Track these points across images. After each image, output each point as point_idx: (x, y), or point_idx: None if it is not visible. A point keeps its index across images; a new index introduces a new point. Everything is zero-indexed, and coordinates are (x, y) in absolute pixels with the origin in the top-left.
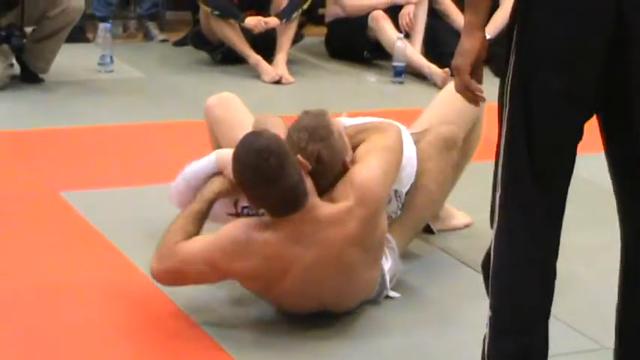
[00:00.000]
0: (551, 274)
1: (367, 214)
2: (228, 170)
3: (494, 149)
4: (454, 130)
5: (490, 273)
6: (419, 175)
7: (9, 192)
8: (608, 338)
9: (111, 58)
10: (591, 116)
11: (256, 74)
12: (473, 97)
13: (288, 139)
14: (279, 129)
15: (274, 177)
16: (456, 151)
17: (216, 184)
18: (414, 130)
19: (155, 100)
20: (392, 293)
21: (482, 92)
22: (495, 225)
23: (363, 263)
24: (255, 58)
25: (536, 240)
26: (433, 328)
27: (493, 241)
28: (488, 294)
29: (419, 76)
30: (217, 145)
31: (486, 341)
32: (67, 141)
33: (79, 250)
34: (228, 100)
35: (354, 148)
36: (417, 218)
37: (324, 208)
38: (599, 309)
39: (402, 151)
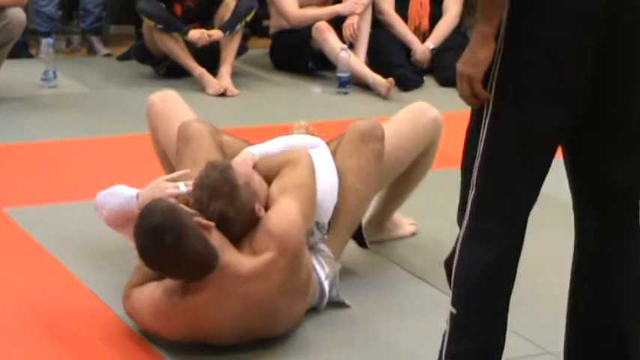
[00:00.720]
0: (512, 275)
1: (290, 263)
2: None
3: (461, 153)
4: (369, 122)
5: (453, 271)
6: (343, 175)
7: None
8: (553, 343)
9: (54, 73)
10: (575, 117)
11: (201, 87)
12: (479, 103)
13: (192, 197)
14: (205, 141)
15: (175, 253)
16: (376, 142)
17: None
18: None
19: (100, 114)
20: (341, 298)
21: (489, 98)
22: (465, 223)
23: (291, 304)
24: (199, 70)
25: (505, 241)
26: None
27: (460, 239)
28: (450, 288)
29: (364, 86)
30: (157, 142)
31: (445, 338)
32: (11, 157)
33: (22, 266)
34: (170, 96)
35: (268, 181)
36: (349, 220)
37: (245, 262)
38: (548, 316)
39: (315, 184)
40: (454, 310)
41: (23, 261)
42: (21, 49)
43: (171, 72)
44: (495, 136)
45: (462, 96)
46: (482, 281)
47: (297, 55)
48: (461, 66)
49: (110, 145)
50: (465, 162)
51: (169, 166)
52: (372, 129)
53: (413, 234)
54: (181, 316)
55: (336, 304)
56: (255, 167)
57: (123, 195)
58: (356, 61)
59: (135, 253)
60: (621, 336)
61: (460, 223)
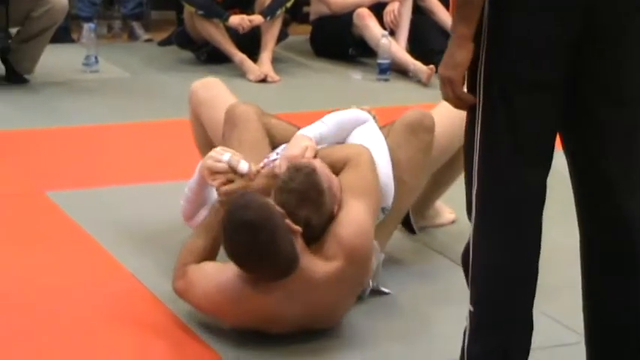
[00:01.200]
0: (532, 270)
1: (358, 272)
2: (210, 182)
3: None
4: (419, 113)
5: (469, 268)
6: (392, 166)
7: None
8: None
9: (96, 58)
10: (565, 104)
11: (241, 73)
12: (462, 106)
13: (276, 199)
14: (252, 124)
15: (265, 251)
16: (425, 132)
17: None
18: None
19: (140, 99)
20: (383, 289)
21: (474, 100)
22: (473, 220)
23: (350, 303)
24: (239, 56)
25: (515, 236)
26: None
27: (471, 237)
28: (468, 287)
29: (404, 73)
30: (200, 130)
31: (466, 335)
32: (53, 141)
33: (64, 250)
34: (213, 83)
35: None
36: (397, 211)
37: (317, 269)
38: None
39: (378, 183)
40: (472, 309)
41: (64, 244)
42: (63, 34)
43: (211, 58)
44: (489, 132)
45: (445, 99)
46: (497, 281)
47: (338, 42)
48: (441, 69)
49: (151, 129)
50: (465, 159)
51: None
52: (421, 120)
53: (453, 222)
54: (247, 306)
55: (377, 292)
56: (316, 157)
57: (193, 178)
58: (397, 48)
59: (178, 236)
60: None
61: (470, 218)
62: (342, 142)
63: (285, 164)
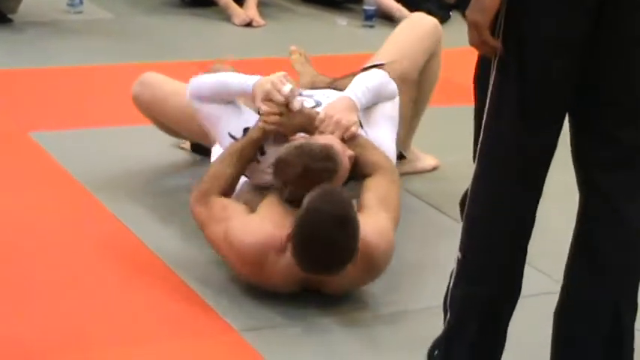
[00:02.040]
0: (523, 228)
1: (373, 278)
2: (259, 105)
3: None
4: (401, 64)
5: (464, 215)
6: None
7: None
8: None
9: None
10: (576, 71)
11: (226, 17)
12: (490, 51)
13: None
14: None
15: (351, 244)
16: (407, 85)
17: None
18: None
19: (125, 41)
20: None
21: (500, 47)
22: (474, 169)
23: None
24: (225, 0)
25: (509, 195)
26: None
27: (470, 185)
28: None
29: (390, 19)
30: (164, 127)
31: (452, 277)
32: (36, 82)
33: (46, 191)
34: (150, 80)
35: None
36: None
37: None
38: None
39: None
40: (460, 257)
41: (47, 185)
42: None
43: (196, 1)
44: (500, 88)
45: (471, 44)
46: (485, 235)
47: None
48: (468, 12)
49: (134, 72)
50: (478, 104)
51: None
52: (402, 73)
53: (434, 168)
54: (269, 271)
55: None
56: (354, 142)
57: (237, 77)
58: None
59: (162, 179)
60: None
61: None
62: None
63: (330, 124)
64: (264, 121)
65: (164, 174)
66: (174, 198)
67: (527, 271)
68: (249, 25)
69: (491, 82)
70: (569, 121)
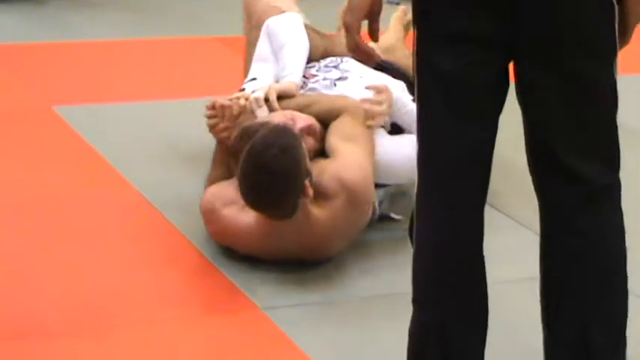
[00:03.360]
0: (473, 243)
1: (358, 212)
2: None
3: None
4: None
5: (413, 237)
6: None
7: (0, 106)
8: None
9: None
10: (508, 61)
11: None
12: (365, 58)
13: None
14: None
15: (282, 199)
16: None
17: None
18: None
19: (147, 16)
20: (393, 215)
21: (373, 52)
22: (416, 185)
23: (347, 241)
24: None
25: (455, 205)
26: None
27: (415, 204)
28: None
29: None
30: (250, 25)
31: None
32: (60, 55)
33: (69, 165)
34: None
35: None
36: None
37: (317, 211)
38: None
39: (372, 133)
40: (412, 280)
41: (70, 159)
42: None
43: None
44: (423, 77)
45: (348, 49)
46: (439, 253)
47: None
48: (341, 14)
49: (159, 47)
50: None
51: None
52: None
53: None
54: (237, 231)
55: (387, 218)
56: (311, 107)
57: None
58: None
59: (184, 153)
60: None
61: None
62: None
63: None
64: (214, 133)
65: (184, 148)
66: (198, 174)
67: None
68: None
69: (415, 85)
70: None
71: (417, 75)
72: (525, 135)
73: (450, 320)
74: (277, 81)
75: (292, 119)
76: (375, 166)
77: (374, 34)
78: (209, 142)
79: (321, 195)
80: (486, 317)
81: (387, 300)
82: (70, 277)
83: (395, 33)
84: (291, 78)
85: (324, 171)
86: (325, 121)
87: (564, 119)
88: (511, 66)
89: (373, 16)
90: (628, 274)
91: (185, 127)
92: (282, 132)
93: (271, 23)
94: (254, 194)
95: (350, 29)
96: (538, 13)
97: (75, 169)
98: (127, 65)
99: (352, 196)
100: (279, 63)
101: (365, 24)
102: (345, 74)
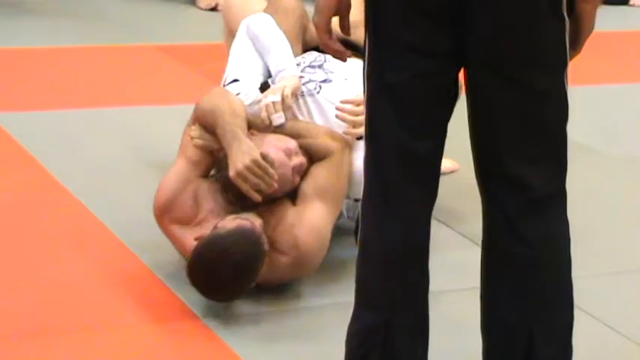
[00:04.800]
0: (419, 251)
1: (304, 269)
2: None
3: None
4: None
5: (357, 240)
6: None
7: None
8: None
9: None
10: (457, 72)
11: (192, 0)
12: (337, 55)
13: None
14: (291, 17)
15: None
16: None
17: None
18: None
19: (89, 23)
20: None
21: (343, 50)
22: (362, 189)
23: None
24: None
25: (402, 213)
26: None
27: (360, 206)
28: None
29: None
30: (229, 33)
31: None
32: None
33: (8, 172)
34: None
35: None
36: None
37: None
38: None
39: (345, 189)
40: (356, 284)
41: (9, 166)
42: None
43: None
44: (372, 86)
45: (320, 45)
46: (384, 257)
47: None
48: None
49: (96, 54)
50: None
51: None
52: None
53: (452, 172)
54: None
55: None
56: (301, 138)
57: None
58: None
59: (125, 162)
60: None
61: None
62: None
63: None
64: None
65: (126, 157)
66: (138, 181)
67: None
68: (214, 9)
69: (365, 94)
70: None
71: (367, 82)
72: (472, 143)
73: (394, 322)
74: (269, 79)
75: (289, 154)
76: (351, 182)
77: (345, 30)
78: (150, 150)
79: (272, 246)
80: (428, 322)
81: (336, 309)
82: (7, 285)
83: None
84: (292, 71)
85: (284, 222)
86: (312, 155)
87: (512, 128)
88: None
89: (342, 12)
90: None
91: (126, 135)
92: (246, 237)
93: (252, 22)
94: (202, 282)
95: (319, 29)
96: (489, 25)
97: (13, 176)
98: (67, 72)
99: (302, 260)
100: (272, 60)
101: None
102: (329, 75)
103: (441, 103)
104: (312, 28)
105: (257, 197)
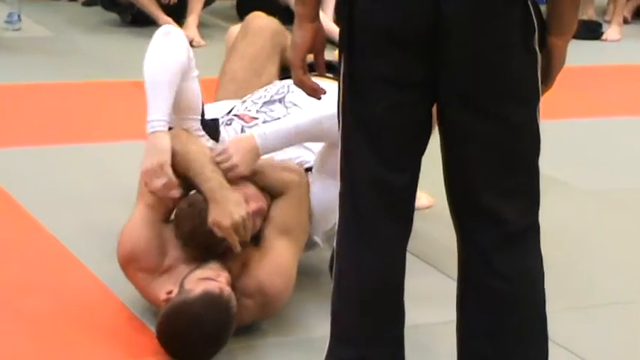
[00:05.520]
0: (395, 286)
1: (268, 311)
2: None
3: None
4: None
5: (332, 273)
6: None
7: None
8: None
9: (18, 16)
10: (431, 105)
11: None
12: (311, 93)
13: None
14: (260, 39)
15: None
16: None
17: None
18: None
19: (64, 59)
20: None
21: (318, 87)
22: (337, 222)
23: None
24: (165, 19)
25: (378, 248)
26: None
27: (335, 240)
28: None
29: (330, 42)
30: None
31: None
32: None
33: None
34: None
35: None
36: None
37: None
38: None
39: (308, 221)
40: (332, 319)
41: None
42: None
43: (137, 20)
44: (347, 118)
45: (294, 83)
46: (359, 292)
47: (264, 9)
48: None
49: (74, 90)
50: None
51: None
52: None
53: (427, 207)
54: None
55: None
56: (257, 176)
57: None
58: (323, 17)
59: (100, 197)
60: None
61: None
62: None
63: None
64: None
65: (100, 192)
66: (114, 216)
67: None
68: (190, 45)
69: (340, 127)
70: None
71: (342, 114)
72: (446, 177)
73: (369, 356)
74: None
75: (247, 199)
76: (311, 219)
77: (320, 69)
78: (125, 185)
79: (238, 291)
80: (404, 356)
81: (303, 344)
82: None
83: None
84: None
85: (248, 267)
86: (270, 192)
87: (486, 161)
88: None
89: (316, 51)
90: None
91: (101, 171)
92: (216, 305)
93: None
94: (172, 349)
95: (293, 65)
96: (463, 60)
97: None
98: (43, 109)
99: (268, 302)
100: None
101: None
102: (289, 110)
103: (416, 135)
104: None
105: (239, 249)
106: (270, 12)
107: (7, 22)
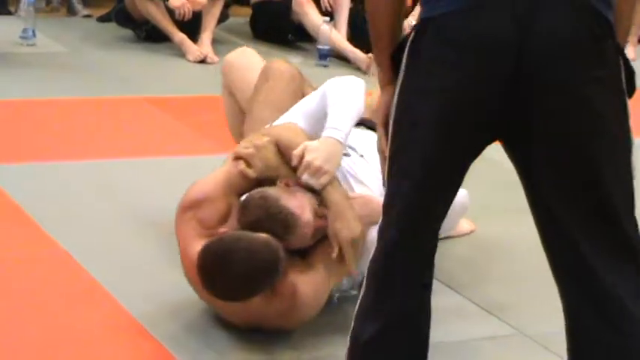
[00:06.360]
0: (420, 342)
1: (293, 325)
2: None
3: None
4: None
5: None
6: None
7: None
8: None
9: (33, 31)
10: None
11: (181, 53)
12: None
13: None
14: (281, 84)
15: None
16: None
17: None
18: None
19: (78, 75)
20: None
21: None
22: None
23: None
24: (179, 36)
25: (403, 307)
26: None
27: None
28: None
29: (344, 59)
30: (230, 102)
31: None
32: None
33: None
34: (249, 52)
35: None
36: None
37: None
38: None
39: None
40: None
41: None
42: (0, 6)
43: (151, 36)
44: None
45: (378, 148)
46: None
47: (277, 26)
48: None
49: (88, 106)
50: None
51: (236, 127)
52: None
53: (471, 232)
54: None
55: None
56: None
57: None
58: (337, 36)
59: (114, 214)
60: None
61: None
62: None
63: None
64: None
65: (118, 209)
66: (128, 232)
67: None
68: (203, 61)
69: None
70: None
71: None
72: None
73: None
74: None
75: (315, 214)
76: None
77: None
78: (139, 201)
79: (275, 292)
80: None
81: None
82: None
83: None
84: (337, 134)
85: (288, 271)
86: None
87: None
88: None
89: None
90: None
91: (115, 188)
92: (269, 245)
93: (333, 81)
94: (209, 266)
95: (382, 124)
96: (554, 136)
97: (1, 227)
98: (56, 125)
99: (294, 307)
100: (333, 113)
101: None
102: (348, 150)
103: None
104: (308, 92)
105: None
106: (282, 29)
107: (21, 37)
